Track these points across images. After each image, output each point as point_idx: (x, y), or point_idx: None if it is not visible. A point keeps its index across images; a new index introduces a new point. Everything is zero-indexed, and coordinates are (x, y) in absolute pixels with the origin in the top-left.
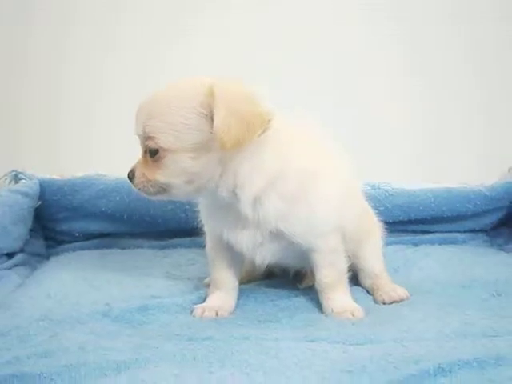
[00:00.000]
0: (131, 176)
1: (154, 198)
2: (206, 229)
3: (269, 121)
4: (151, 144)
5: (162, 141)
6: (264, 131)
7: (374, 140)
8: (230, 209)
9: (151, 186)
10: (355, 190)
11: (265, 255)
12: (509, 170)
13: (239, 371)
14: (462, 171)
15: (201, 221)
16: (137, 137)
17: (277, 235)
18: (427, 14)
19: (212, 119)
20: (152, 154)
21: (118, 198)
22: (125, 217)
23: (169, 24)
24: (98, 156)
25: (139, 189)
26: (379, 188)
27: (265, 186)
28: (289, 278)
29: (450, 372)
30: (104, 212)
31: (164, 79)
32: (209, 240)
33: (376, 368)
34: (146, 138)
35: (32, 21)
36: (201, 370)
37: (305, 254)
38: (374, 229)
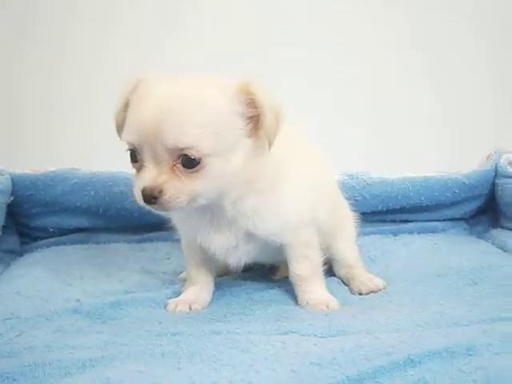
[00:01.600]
0: (158, 194)
1: (179, 210)
2: (176, 226)
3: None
4: (193, 154)
5: (206, 148)
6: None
7: (352, 130)
8: (203, 212)
9: (185, 199)
10: (328, 182)
11: (240, 257)
12: (487, 157)
13: (207, 366)
14: (442, 160)
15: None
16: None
17: (251, 236)
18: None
19: (247, 118)
20: (190, 164)
21: (92, 193)
22: (100, 211)
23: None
24: (72, 150)
25: (169, 206)
26: (357, 178)
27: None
28: (264, 270)
29: (420, 363)
30: (79, 207)
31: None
32: (183, 237)
33: (346, 360)
34: (181, 148)
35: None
36: (168, 367)
37: (278, 250)
38: (348, 220)
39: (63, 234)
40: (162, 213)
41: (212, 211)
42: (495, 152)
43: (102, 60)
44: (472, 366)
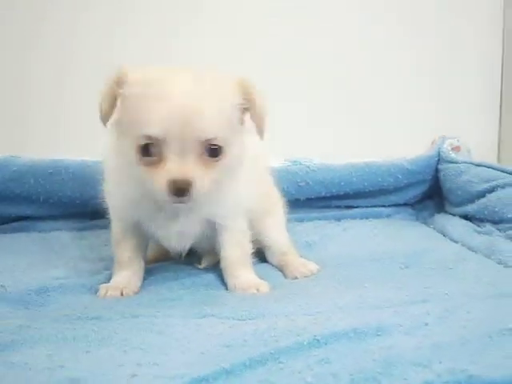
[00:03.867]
0: (188, 187)
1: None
2: (114, 213)
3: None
4: (219, 142)
5: (227, 137)
6: None
7: (297, 116)
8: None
9: (209, 189)
10: (261, 169)
11: (186, 243)
12: (432, 142)
13: (117, 349)
14: (389, 146)
15: (105, 203)
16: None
17: (201, 221)
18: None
19: (242, 109)
20: (215, 153)
21: (32, 181)
22: (41, 199)
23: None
24: (10, 138)
25: (197, 197)
26: (300, 164)
27: None
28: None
29: (326, 344)
30: (19, 195)
31: None
32: (117, 224)
33: (256, 342)
34: (207, 139)
35: None
36: (77, 350)
37: (214, 236)
38: (277, 205)
39: (5, 222)
40: (183, 204)
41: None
42: (439, 137)
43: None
44: (380, 345)
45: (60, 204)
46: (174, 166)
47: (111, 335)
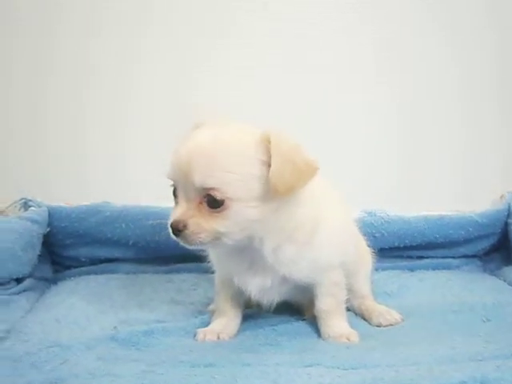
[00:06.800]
0: (182, 228)
1: (203, 247)
2: (213, 265)
3: (317, 170)
4: (216, 195)
5: (230, 191)
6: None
7: (370, 167)
8: (242, 255)
9: (207, 236)
10: (351, 223)
11: (273, 298)
12: (501, 197)
13: None
14: (455, 198)
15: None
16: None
17: (285, 279)
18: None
19: (269, 166)
20: (214, 204)
21: (123, 225)
22: (130, 243)
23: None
24: (103, 185)
25: (191, 240)
26: (375, 215)
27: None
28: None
29: None
30: (110, 238)
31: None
32: (217, 275)
33: None
34: (207, 189)
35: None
36: None
37: (307, 289)
38: (366, 255)
39: (93, 263)
40: (187, 246)
41: (251, 255)
42: (508, 192)
43: (131, 92)
44: None
45: (147, 248)
46: (178, 209)
47: (232, 382)
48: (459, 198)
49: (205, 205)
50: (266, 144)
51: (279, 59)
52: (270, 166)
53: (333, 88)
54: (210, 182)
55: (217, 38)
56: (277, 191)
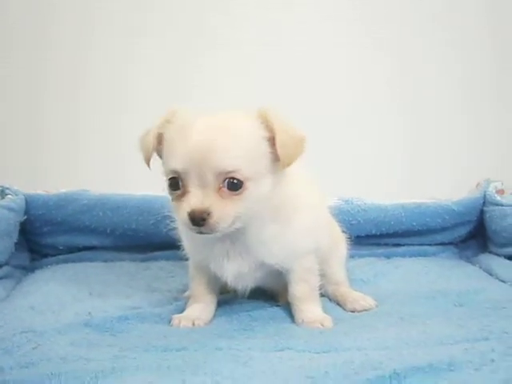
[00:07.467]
0: (206, 216)
1: (221, 233)
2: (186, 251)
3: (305, 139)
4: (237, 176)
5: (247, 172)
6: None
7: (347, 156)
8: (220, 240)
9: (230, 221)
10: (325, 210)
11: (247, 283)
12: (477, 185)
13: (210, 379)
14: (435, 187)
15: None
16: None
17: (260, 264)
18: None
19: (270, 141)
20: (234, 187)
21: (101, 213)
22: (108, 231)
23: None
24: (82, 172)
25: (215, 228)
26: (352, 203)
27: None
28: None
29: (405, 377)
30: (88, 226)
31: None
32: (191, 261)
33: (338, 374)
34: (226, 172)
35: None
36: (174, 379)
37: (280, 275)
38: (340, 241)
39: (71, 251)
40: (208, 234)
41: (230, 240)
42: (484, 180)
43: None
44: (453, 380)
45: (124, 236)
46: (194, 198)
47: (202, 365)
48: (436, 185)
49: (224, 189)
50: (265, 120)
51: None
52: (270, 140)
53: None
54: (230, 165)
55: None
56: (284, 163)
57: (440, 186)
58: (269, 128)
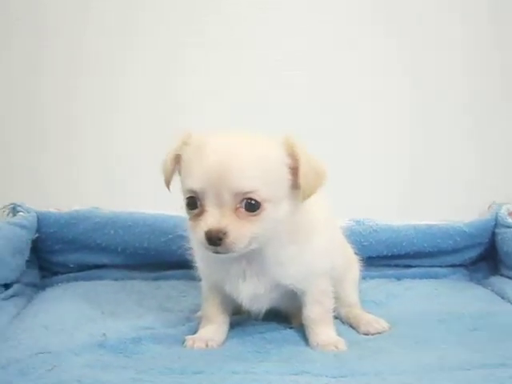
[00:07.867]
0: (222, 236)
1: (237, 253)
2: (199, 271)
3: (326, 174)
4: (255, 197)
5: (266, 193)
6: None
7: (359, 177)
8: (236, 261)
9: (247, 242)
10: (339, 231)
11: (262, 305)
12: (489, 207)
13: None
14: (447, 209)
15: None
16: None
17: (276, 285)
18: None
19: (292, 170)
20: (252, 207)
21: (112, 232)
22: (119, 249)
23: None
24: (94, 190)
25: (231, 248)
26: (364, 224)
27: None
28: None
29: None
30: (99, 244)
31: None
32: (204, 282)
33: None
34: (243, 193)
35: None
36: None
37: (295, 296)
38: (353, 263)
39: (82, 269)
40: (224, 254)
41: (246, 260)
42: (496, 203)
43: (122, 95)
44: None
45: (135, 254)
46: (211, 217)
47: None
48: (448, 208)
49: (242, 210)
50: (289, 148)
51: (278, 58)
52: (292, 168)
53: (323, 88)
54: (248, 186)
55: (206, 38)
56: (304, 194)
57: (452, 207)
58: (292, 157)
